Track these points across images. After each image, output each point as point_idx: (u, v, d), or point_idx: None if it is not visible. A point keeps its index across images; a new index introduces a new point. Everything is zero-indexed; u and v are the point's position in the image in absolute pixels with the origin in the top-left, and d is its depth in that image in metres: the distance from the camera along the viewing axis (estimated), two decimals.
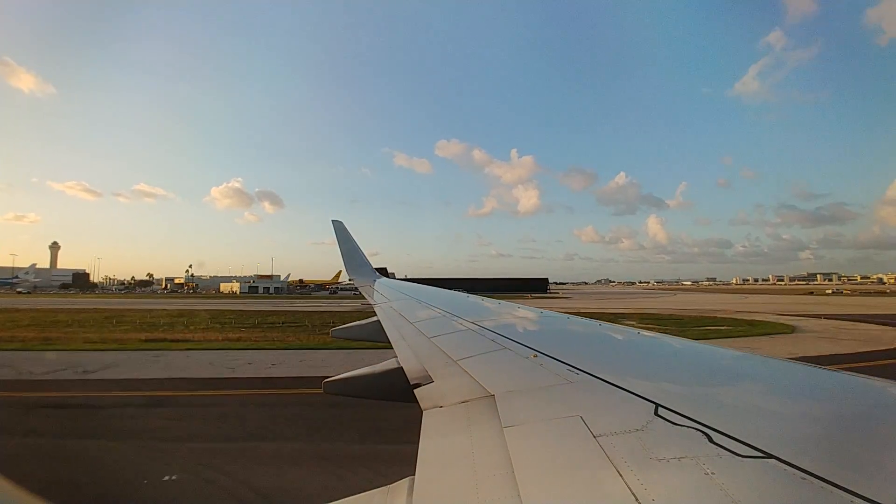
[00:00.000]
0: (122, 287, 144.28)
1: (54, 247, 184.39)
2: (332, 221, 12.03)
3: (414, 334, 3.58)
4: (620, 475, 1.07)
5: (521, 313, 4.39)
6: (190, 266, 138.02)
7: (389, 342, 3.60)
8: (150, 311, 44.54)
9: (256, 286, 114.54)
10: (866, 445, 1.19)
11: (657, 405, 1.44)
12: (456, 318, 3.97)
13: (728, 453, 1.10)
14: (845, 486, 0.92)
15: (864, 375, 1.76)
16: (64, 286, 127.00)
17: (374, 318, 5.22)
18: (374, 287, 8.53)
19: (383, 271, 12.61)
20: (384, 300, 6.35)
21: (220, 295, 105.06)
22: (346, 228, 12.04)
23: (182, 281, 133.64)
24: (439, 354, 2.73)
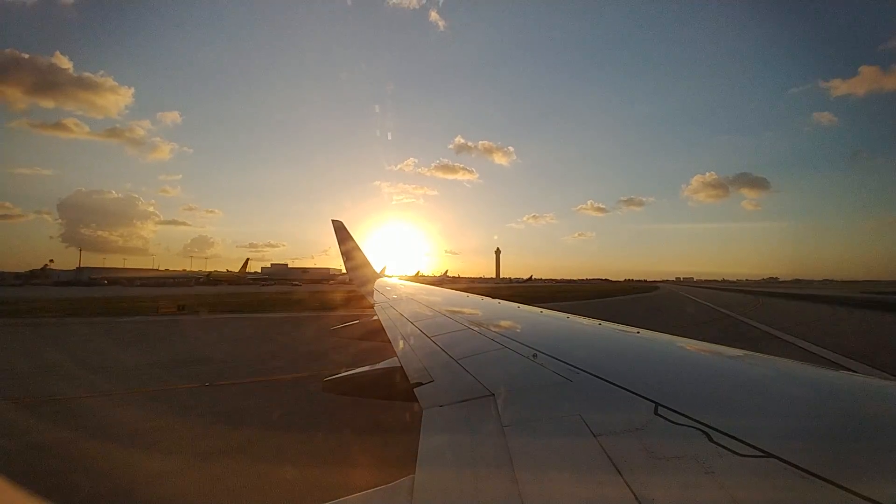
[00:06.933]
0: None
1: None
2: (332, 221, 12.00)
3: (414, 333, 3.58)
4: (620, 474, 1.07)
5: (521, 312, 4.40)
6: None
7: (389, 341, 3.61)
8: None
9: None
10: (866, 445, 1.19)
11: (657, 404, 1.44)
12: (456, 317, 3.97)
13: (728, 453, 1.10)
14: (845, 486, 0.92)
15: (864, 375, 1.76)
16: None
17: (375, 318, 5.25)
18: (375, 286, 8.57)
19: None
20: (384, 299, 6.37)
21: None
22: (345, 228, 12.01)
23: None
24: (439, 353, 2.73)
